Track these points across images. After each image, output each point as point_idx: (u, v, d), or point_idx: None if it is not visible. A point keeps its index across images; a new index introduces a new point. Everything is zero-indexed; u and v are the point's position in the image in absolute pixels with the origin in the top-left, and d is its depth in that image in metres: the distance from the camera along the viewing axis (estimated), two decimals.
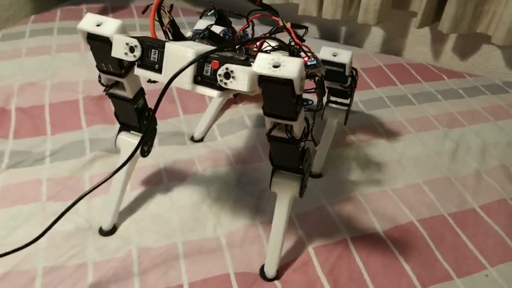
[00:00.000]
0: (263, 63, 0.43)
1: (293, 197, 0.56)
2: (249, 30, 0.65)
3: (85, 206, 0.68)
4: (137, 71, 0.49)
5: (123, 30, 0.51)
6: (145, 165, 0.75)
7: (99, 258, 0.60)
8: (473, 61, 1.19)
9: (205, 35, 0.57)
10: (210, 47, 0.49)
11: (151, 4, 0.51)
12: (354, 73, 0.78)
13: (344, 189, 0.74)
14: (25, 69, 0.98)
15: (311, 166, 0.59)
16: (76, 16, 1.23)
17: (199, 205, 0.69)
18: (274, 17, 0.59)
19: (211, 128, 0.86)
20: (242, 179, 0.75)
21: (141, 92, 0.59)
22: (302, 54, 0.54)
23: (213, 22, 0.59)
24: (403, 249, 0.64)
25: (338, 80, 0.77)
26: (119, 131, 0.63)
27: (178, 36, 0.55)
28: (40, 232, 0.57)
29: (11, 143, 0.78)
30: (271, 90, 0.45)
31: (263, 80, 0.43)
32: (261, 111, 0.52)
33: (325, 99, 0.83)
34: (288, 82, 0.42)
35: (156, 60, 0.47)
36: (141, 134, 0.59)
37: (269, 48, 0.56)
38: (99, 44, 0.51)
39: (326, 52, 0.74)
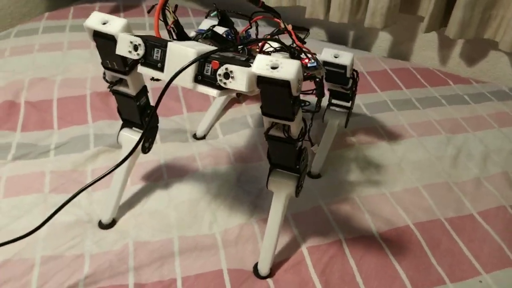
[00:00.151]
0: (261, 64, 0.44)
1: (289, 196, 0.57)
2: (252, 31, 0.66)
3: (86, 199, 0.69)
4: (140, 69, 0.50)
5: (128, 29, 0.52)
6: (146, 161, 0.77)
7: (97, 250, 0.62)
8: (481, 67, 1.18)
9: (208, 36, 0.58)
10: (211, 47, 0.50)
11: (156, 4, 0.53)
12: (355, 75, 0.78)
13: (342, 190, 0.75)
14: (36, 65, 1.01)
15: (307, 166, 0.60)
16: (88, 14, 1.22)
17: (197, 202, 0.70)
18: (276, 19, 0.60)
19: (213, 127, 0.88)
20: (241, 178, 0.76)
21: (144, 90, 0.60)
22: (303, 56, 0.55)
23: (216, 23, 0.61)
24: (397, 252, 0.64)
25: (339, 82, 0.78)
26: (122, 127, 0.64)
27: (182, 36, 0.56)
28: (41, 221, 0.59)
29: (19, 135, 0.81)
30: (269, 90, 0.46)
31: (261, 81, 0.44)
32: None
33: (325, 100, 0.84)
34: (285, 84, 0.43)
35: (158, 58, 0.49)
36: (142, 131, 0.61)
37: (271, 49, 0.57)
38: (104, 42, 0.53)
39: (328, 53, 0.74)
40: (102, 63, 0.57)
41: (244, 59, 0.49)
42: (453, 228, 0.69)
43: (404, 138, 0.88)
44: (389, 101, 1.00)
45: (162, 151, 0.79)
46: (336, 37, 1.31)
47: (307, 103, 0.57)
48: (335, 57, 0.73)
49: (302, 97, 0.52)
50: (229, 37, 0.64)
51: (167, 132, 0.84)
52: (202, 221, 0.67)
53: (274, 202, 0.58)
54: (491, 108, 1.00)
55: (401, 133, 0.90)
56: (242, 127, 0.87)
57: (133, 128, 0.64)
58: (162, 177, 0.75)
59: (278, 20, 0.59)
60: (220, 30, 0.62)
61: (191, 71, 0.47)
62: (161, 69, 0.49)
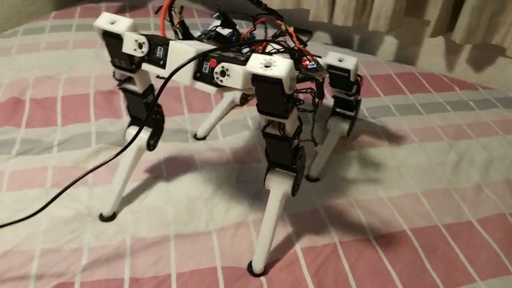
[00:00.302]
0: (255, 63, 0.45)
1: (285, 194, 0.58)
2: (260, 33, 0.67)
3: (87, 194, 0.71)
4: (144, 66, 0.53)
5: (134, 28, 0.54)
6: (147, 159, 0.78)
7: (95, 244, 0.63)
8: (488, 73, 1.17)
9: (212, 36, 0.59)
10: (212, 47, 0.52)
11: (163, 5, 0.54)
12: (359, 80, 0.78)
13: (340, 193, 0.75)
14: (42, 63, 1.03)
15: (304, 167, 0.60)
16: (95, 14, 1.27)
17: (195, 200, 0.71)
18: (278, 21, 0.61)
19: (214, 128, 0.88)
20: (239, 178, 0.76)
21: (150, 88, 0.63)
22: (305, 57, 0.56)
23: (220, 24, 0.62)
24: (392, 256, 0.64)
25: (343, 86, 0.78)
26: (129, 124, 0.67)
27: (187, 36, 0.58)
28: (42, 214, 0.60)
29: (23, 131, 0.82)
30: (263, 88, 0.47)
31: (255, 78, 0.46)
32: None
33: (330, 102, 0.84)
34: (277, 81, 0.44)
35: (161, 56, 0.51)
36: (150, 129, 0.65)
37: (274, 50, 0.58)
38: (112, 41, 0.55)
39: (332, 57, 0.75)
40: (111, 62, 0.59)
41: (243, 58, 0.50)
42: (450, 234, 0.69)
43: (405, 143, 0.88)
44: (392, 105, 1.00)
45: (163, 150, 0.80)
46: (341, 40, 1.31)
47: (301, 102, 0.57)
48: (340, 61, 0.74)
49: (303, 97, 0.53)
50: (233, 38, 0.65)
51: (168, 132, 0.85)
52: (199, 219, 0.68)
53: (270, 200, 0.59)
54: (496, 114, 0.99)
55: (402, 138, 0.89)
56: (242, 128, 0.88)
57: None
58: (161, 175, 0.76)
59: (280, 22, 0.60)
60: (225, 32, 0.63)
61: (190, 69, 0.48)
62: (163, 66, 0.51)
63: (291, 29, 0.58)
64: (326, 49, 1.17)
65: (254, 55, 0.46)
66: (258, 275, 0.60)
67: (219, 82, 0.47)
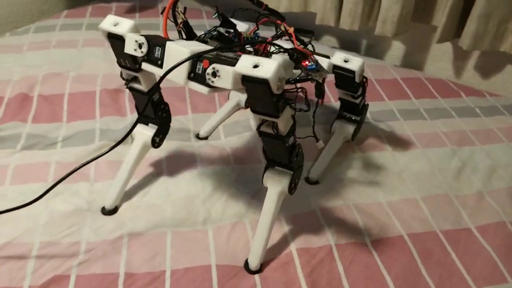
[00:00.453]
0: (244, 63, 0.46)
1: (282, 192, 0.59)
2: (262, 32, 0.68)
3: (88, 189, 0.72)
4: (144, 65, 0.54)
5: (135, 29, 0.56)
6: (149, 157, 0.78)
7: (93, 239, 0.64)
8: (496, 80, 1.16)
9: (214, 36, 0.60)
10: (208, 47, 0.53)
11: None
12: (364, 81, 0.78)
13: (338, 197, 0.75)
14: (52, 60, 1.05)
15: (302, 165, 0.61)
16: (105, 14, 1.28)
17: (193, 198, 0.72)
18: (278, 22, 0.62)
19: (216, 128, 0.89)
20: (239, 178, 0.77)
21: (156, 87, 0.63)
22: (311, 57, 0.57)
23: (220, 25, 0.63)
24: (387, 260, 0.64)
25: (348, 88, 0.78)
26: (137, 122, 0.68)
27: (191, 36, 0.59)
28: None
29: (29, 126, 0.84)
30: (252, 88, 0.48)
31: (244, 79, 0.47)
32: None
33: (336, 106, 0.84)
34: (265, 82, 0.45)
35: (159, 56, 0.52)
36: (156, 126, 0.67)
37: (276, 50, 0.59)
38: (116, 42, 0.57)
39: (338, 57, 0.74)
40: (117, 62, 0.61)
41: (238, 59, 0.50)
42: (448, 240, 0.68)
43: (408, 148, 0.88)
44: (396, 110, 0.99)
45: (164, 148, 0.81)
46: (348, 44, 1.31)
47: (293, 102, 0.58)
48: (345, 62, 0.73)
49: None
50: (236, 38, 0.66)
51: (171, 131, 0.84)
52: (197, 217, 0.69)
53: (268, 197, 0.59)
54: (502, 122, 0.98)
55: (405, 143, 0.89)
56: (244, 129, 0.88)
57: (150, 124, 0.68)
58: (162, 173, 0.77)
59: (280, 23, 0.61)
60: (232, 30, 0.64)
61: (184, 69, 0.50)
62: (161, 66, 0.52)
63: (291, 30, 0.59)
64: (332, 53, 1.17)
65: (243, 56, 0.47)
66: (254, 272, 0.61)
67: (210, 83, 0.48)
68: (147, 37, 0.53)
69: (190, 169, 0.78)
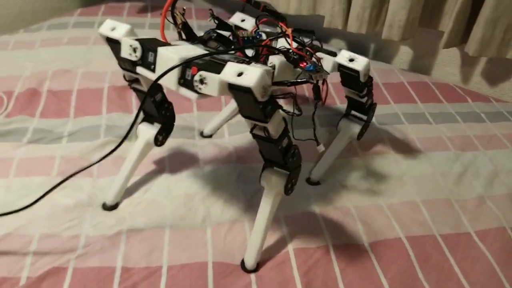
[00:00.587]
0: (229, 71, 0.46)
1: (279, 193, 0.59)
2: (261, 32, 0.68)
3: (90, 184, 0.73)
4: (138, 69, 0.55)
5: (131, 33, 0.57)
6: (152, 153, 0.79)
7: (93, 233, 0.65)
8: (503, 86, 1.14)
9: (212, 37, 0.61)
10: (202, 52, 0.53)
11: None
12: (370, 81, 0.77)
13: (338, 199, 0.75)
14: (62, 57, 1.07)
15: (300, 166, 0.60)
16: (118, 13, 1.32)
17: (193, 196, 0.72)
18: (277, 22, 0.62)
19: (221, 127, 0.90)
20: (240, 177, 0.77)
21: (158, 87, 0.66)
22: (316, 59, 0.57)
23: (216, 27, 0.64)
24: (384, 263, 0.64)
25: (353, 86, 0.77)
26: (142, 120, 0.70)
27: (191, 37, 0.60)
28: (44, 201, 0.62)
29: (36, 121, 0.86)
30: (237, 96, 0.49)
31: (230, 87, 0.47)
32: None
33: (343, 108, 0.83)
34: (248, 90, 0.45)
35: (152, 61, 0.53)
36: (159, 125, 0.68)
37: (276, 51, 0.59)
38: (114, 46, 0.58)
39: (343, 56, 0.72)
40: (118, 64, 0.62)
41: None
42: (446, 244, 0.68)
43: (410, 152, 0.87)
44: (401, 113, 0.99)
45: (168, 145, 0.82)
46: (356, 48, 1.31)
47: (281, 107, 0.58)
48: (350, 60, 0.71)
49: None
50: (235, 40, 0.66)
51: (175, 128, 0.85)
52: (196, 215, 0.69)
53: (264, 197, 0.60)
54: (507, 128, 0.97)
55: (408, 147, 0.89)
56: (248, 128, 0.88)
57: (155, 123, 0.70)
58: (164, 170, 0.77)
59: (278, 23, 0.61)
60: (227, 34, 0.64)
61: (174, 75, 0.50)
62: (154, 70, 0.53)
63: (289, 30, 0.59)
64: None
65: (229, 64, 0.47)
66: (250, 271, 0.61)
67: (198, 90, 0.49)
68: (141, 42, 0.54)
69: (192, 167, 0.79)
